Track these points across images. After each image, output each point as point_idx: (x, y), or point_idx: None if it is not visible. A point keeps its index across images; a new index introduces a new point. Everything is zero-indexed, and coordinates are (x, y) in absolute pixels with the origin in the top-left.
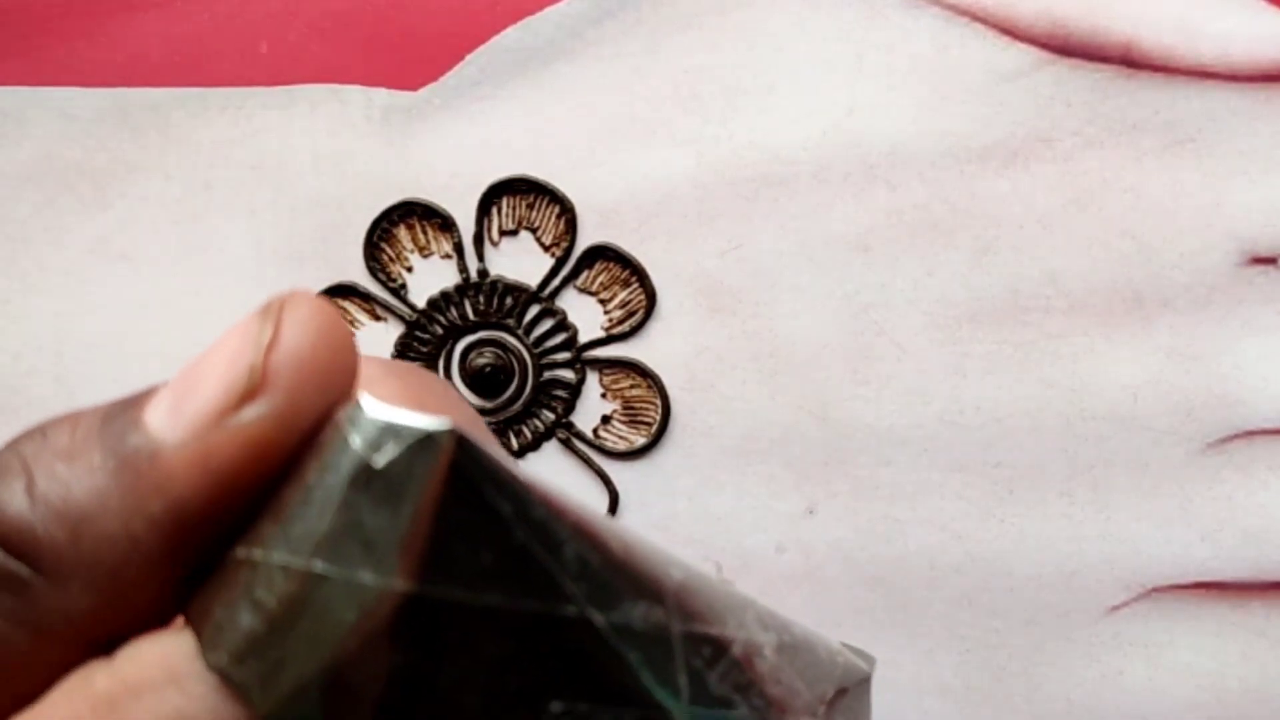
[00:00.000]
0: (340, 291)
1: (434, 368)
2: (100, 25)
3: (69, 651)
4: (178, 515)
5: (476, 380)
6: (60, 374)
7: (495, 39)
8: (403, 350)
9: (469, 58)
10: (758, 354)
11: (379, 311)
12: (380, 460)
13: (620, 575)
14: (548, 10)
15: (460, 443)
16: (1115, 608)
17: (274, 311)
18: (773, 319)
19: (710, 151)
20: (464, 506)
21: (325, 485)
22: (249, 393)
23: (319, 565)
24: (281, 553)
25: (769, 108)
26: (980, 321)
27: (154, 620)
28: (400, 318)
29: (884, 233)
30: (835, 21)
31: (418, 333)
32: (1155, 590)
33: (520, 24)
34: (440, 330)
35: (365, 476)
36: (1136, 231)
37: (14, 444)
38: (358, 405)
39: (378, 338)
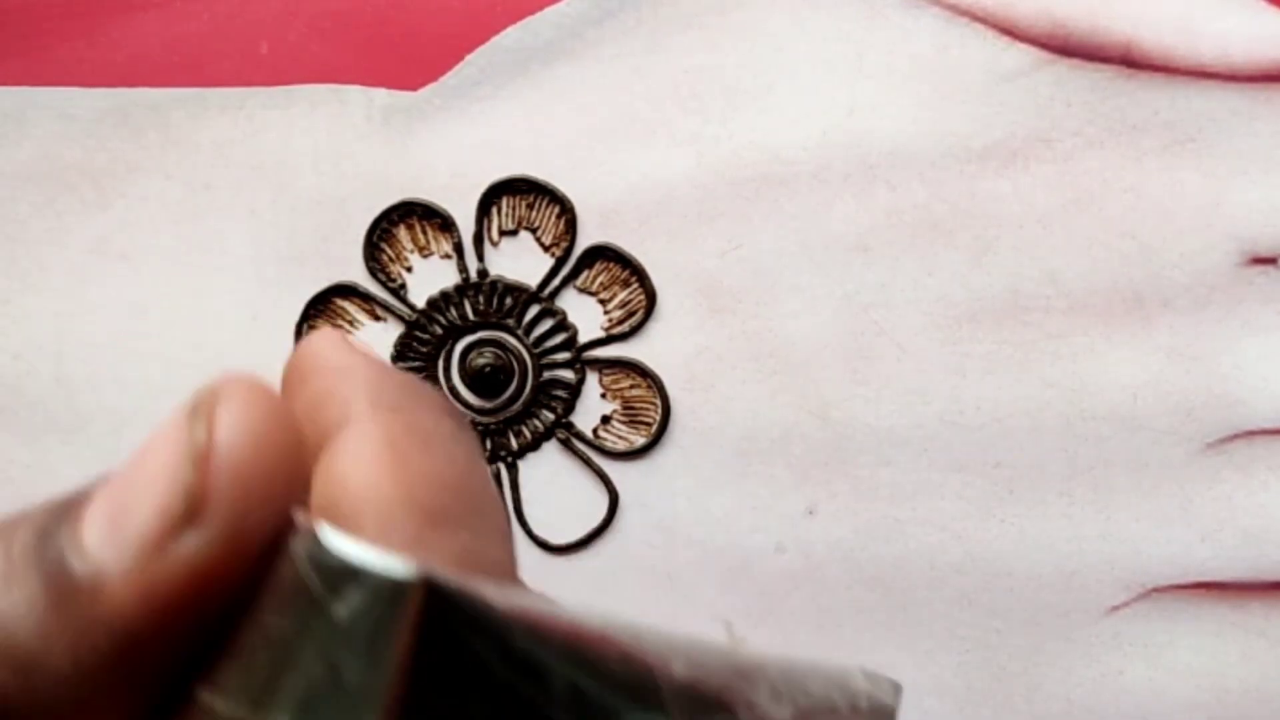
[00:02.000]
0: (340, 291)
1: (434, 368)
2: (100, 25)
3: None
4: (126, 648)
5: (476, 380)
6: (60, 374)
7: (495, 39)
8: (403, 350)
9: (469, 58)
10: (758, 354)
11: (379, 311)
12: (342, 611)
13: (616, 690)
14: (548, 10)
15: (430, 589)
16: (1115, 608)
17: (204, 411)
18: (773, 319)
19: (710, 151)
20: (439, 654)
21: (284, 629)
22: (187, 516)
23: None
24: (244, 708)
25: (769, 108)
26: (980, 321)
27: None
28: (400, 318)
29: (884, 233)
30: (835, 21)
31: (417, 333)
32: (1155, 590)
33: (520, 24)
34: (440, 330)
35: (327, 626)
36: (1136, 231)
37: None
38: (315, 540)
39: (378, 338)
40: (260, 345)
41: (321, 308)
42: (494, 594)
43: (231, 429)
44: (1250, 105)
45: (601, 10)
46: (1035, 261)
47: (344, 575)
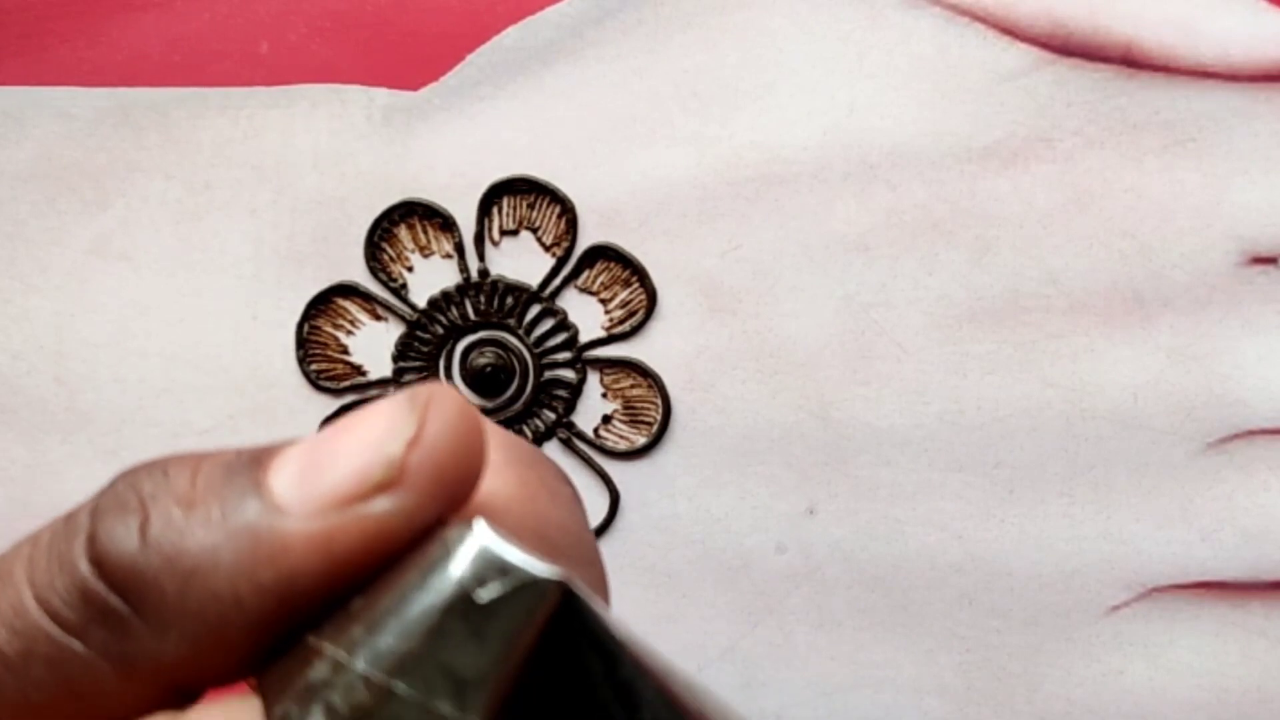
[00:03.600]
0: (341, 291)
1: (435, 367)
2: (100, 25)
3: (148, 691)
4: (287, 589)
5: (477, 380)
6: (60, 374)
7: (496, 39)
8: (404, 350)
9: (469, 58)
10: (758, 354)
11: (380, 311)
12: (484, 596)
13: None
14: (548, 10)
15: (566, 595)
16: (1115, 608)
17: (420, 404)
18: (773, 319)
19: (710, 151)
20: (556, 659)
21: (421, 603)
22: (383, 485)
23: (400, 686)
24: (365, 662)
25: (769, 108)
26: (980, 321)
27: (230, 678)
28: (401, 317)
29: (884, 233)
30: (835, 21)
31: (418, 332)
32: (1155, 590)
33: (520, 24)
34: (441, 330)
35: (464, 607)
36: (1136, 231)
37: (131, 477)
38: (471, 530)
39: (378, 337)
40: (260, 345)
41: (322, 307)
42: (614, 619)
43: (440, 423)
44: (1250, 105)
45: (601, 10)
46: (1035, 261)
47: (492, 566)
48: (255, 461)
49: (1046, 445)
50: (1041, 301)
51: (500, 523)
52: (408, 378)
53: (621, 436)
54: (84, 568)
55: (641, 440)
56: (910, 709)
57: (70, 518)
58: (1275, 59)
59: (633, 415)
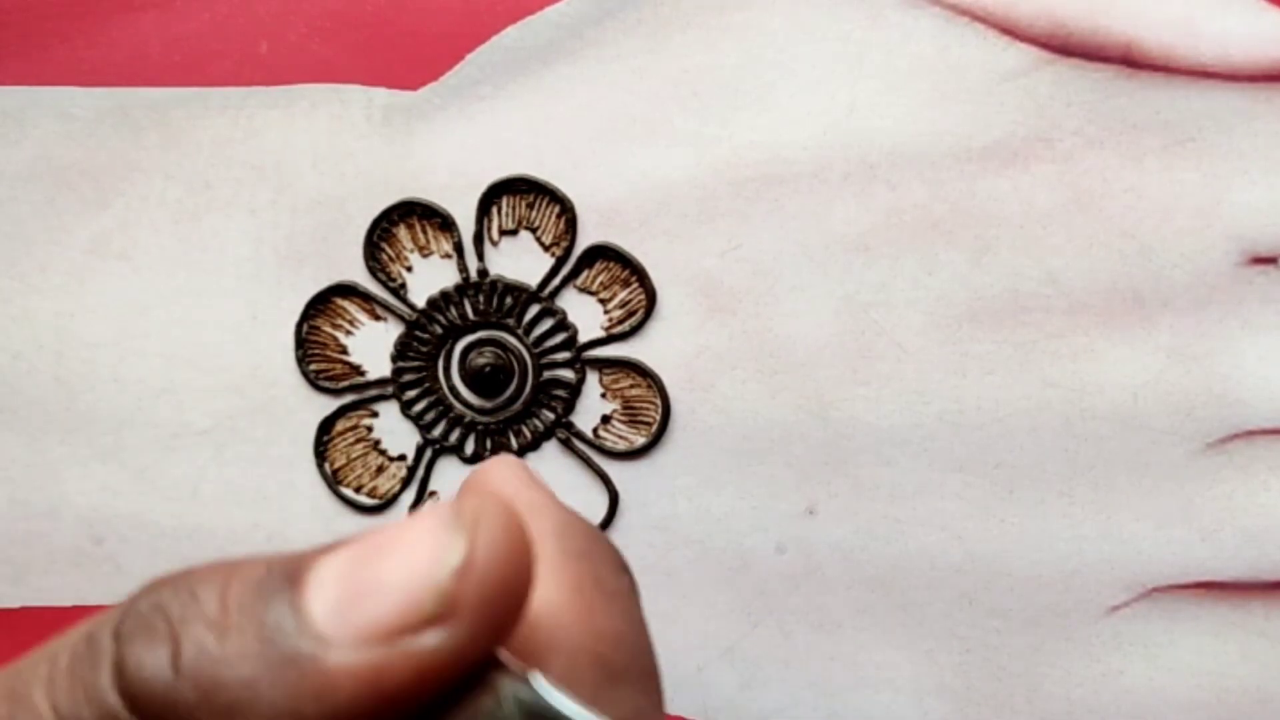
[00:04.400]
0: (340, 291)
1: (434, 367)
2: (100, 25)
3: None
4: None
5: (476, 380)
6: (60, 374)
7: (495, 38)
8: (403, 350)
9: (469, 57)
10: (758, 354)
11: (379, 311)
12: None
13: None
14: (548, 10)
15: None
16: (1115, 608)
17: (467, 524)
18: (773, 319)
19: (710, 151)
20: None
21: None
22: (434, 618)
23: None
24: None
25: (769, 107)
26: (980, 321)
27: None
28: (400, 317)
29: (884, 233)
30: (835, 21)
31: (417, 332)
32: (1155, 590)
33: (520, 24)
34: (440, 330)
35: None
36: (1136, 231)
37: (155, 597)
38: (529, 685)
39: (378, 337)
40: (260, 345)
41: (321, 307)
42: None
43: (490, 548)
44: (1250, 105)
45: (601, 10)
46: (1035, 261)
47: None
48: (288, 579)
49: (1046, 445)
50: (1041, 301)
51: (550, 642)
52: (407, 377)
53: (621, 436)
54: (113, 700)
55: (641, 440)
56: (910, 709)
57: (91, 640)
58: (1275, 59)
59: (632, 415)
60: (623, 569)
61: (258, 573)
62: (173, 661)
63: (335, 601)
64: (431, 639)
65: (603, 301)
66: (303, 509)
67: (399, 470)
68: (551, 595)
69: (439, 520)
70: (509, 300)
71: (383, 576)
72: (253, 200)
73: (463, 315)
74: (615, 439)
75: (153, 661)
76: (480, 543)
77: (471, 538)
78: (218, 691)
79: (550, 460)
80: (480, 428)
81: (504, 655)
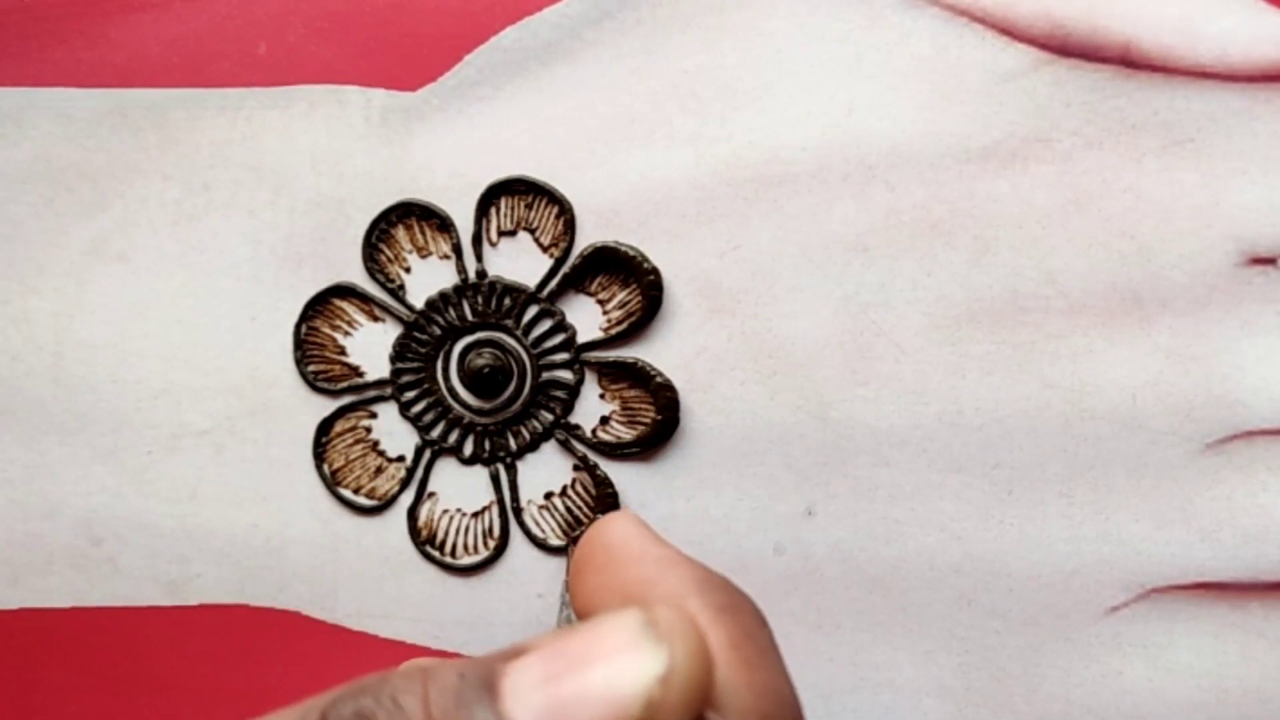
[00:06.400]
0: (339, 292)
1: (433, 368)
2: (99, 26)
3: None
4: None
5: (475, 381)
6: (59, 375)
7: (494, 39)
8: (401, 351)
9: (468, 58)
10: (757, 354)
11: (377, 312)
12: None
13: None
14: (546, 11)
15: None
16: (1115, 608)
17: (665, 639)
18: (772, 319)
19: (710, 151)
20: None
21: None
22: None
23: None
24: None
25: (768, 108)
26: (979, 322)
27: None
28: (398, 318)
29: (883, 233)
30: (834, 22)
31: (416, 333)
32: (1155, 591)
33: (519, 24)
34: (439, 331)
35: None
36: (1136, 231)
37: (357, 705)
38: None
39: (376, 338)
40: (259, 346)
41: (320, 308)
42: None
43: (689, 659)
44: (1250, 105)
45: (600, 10)
46: (1034, 262)
47: None
48: (486, 688)
49: (1045, 446)
50: (1040, 302)
51: (724, 702)
52: (405, 379)
53: (619, 437)
54: None
55: (633, 439)
56: (909, 710)
57: None
58: (1274, 59)
59: (631, 416)
60: (764, 620)
61: (451, 681)
62: None
63: (539, 711)
64: None
65: (601, 302)
66: (301, 510)
67: (398, 471)
68: (714, 655)
69: (636, 632)
70: (508, 301)
71: (587, 688)
72: (251, 201)
73: (461, 316)
74: (614, 440)
75: None
76: (680, 653)
77: (671, 648)
78: None
79: (549, 461)
80: (479, 429)
81: (715, 719)
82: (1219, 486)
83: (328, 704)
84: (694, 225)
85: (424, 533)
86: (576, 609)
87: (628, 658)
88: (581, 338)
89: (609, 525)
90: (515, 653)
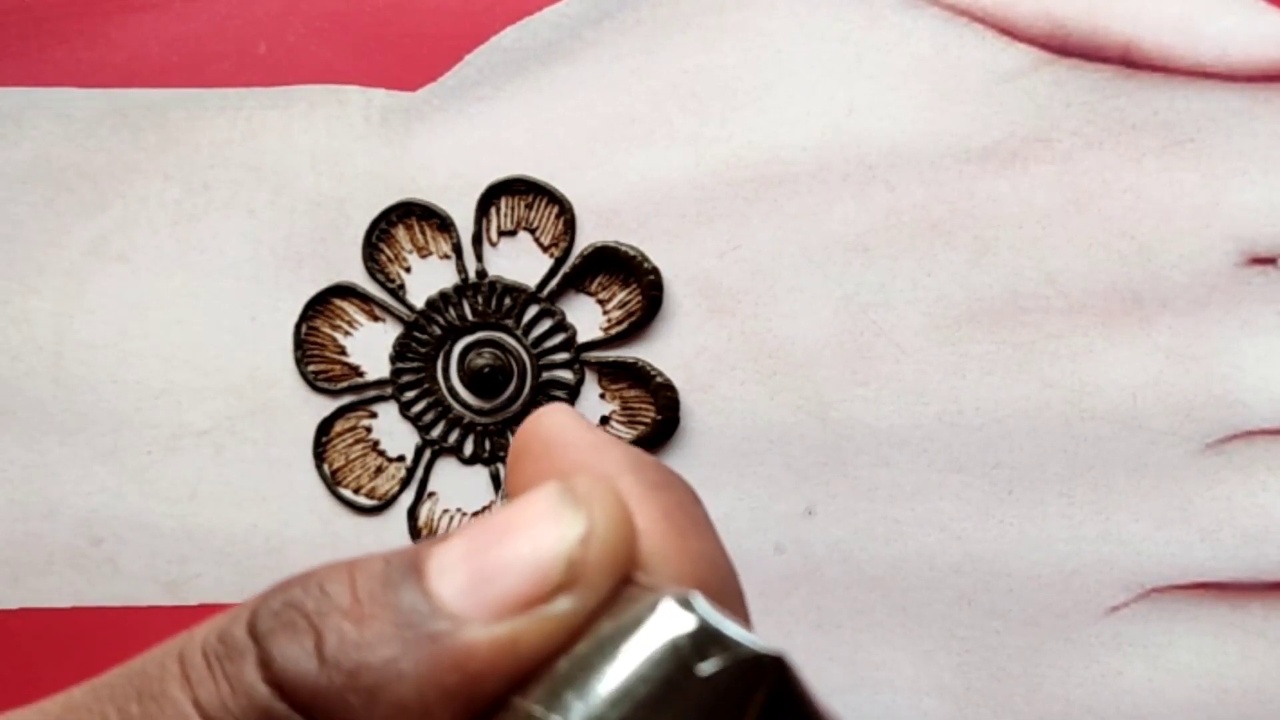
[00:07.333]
0: (339, 292)
1: (433, 368)
2: (99, 26)
3: None
4: (474, 688)
5: (475, 380)
6: (58, 375)
7: (494, 39)
8: (402, 350)
9: (468, 58)
10: (757, 354)
11: (377, 312)
12: (705, 670)
13: None
14: (546, 11)
15: (784, 671)
16: (1115, 608)
17: (583, 503)
18: (772, 319)
19: (709, 151)
20: None
21: (640, 674)
22: (563, 585)
23: None
24: None
25: (768, 108)
26: (979, 322)
27: None
28: (399, 318)
29: (883, 233)
30: (834, 22)
31: (416, 333)
32: (1154, 591)
33: (519, 24)
34: (439, 331)
35: (684, 680)
36: (1135, 231)
37: (285, 595)
38: (689, 605)
39: (376, 338)
40: (259, 346)
41: (320, 308)
42: (818, 695)
43: (607, 519)
44: (1250, 105)
45: (600, 10)
46: (1034, 262)
47: (712, 641)
48: (411, 569)
49: (1045, 446)
50: (1040, 302)
51: (656, 569)
52: (405, 378)
53: (619, 437)
54: (263, 692)
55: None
56: (909, 710)
57: (227, 638)
58: (1274, 59)
59: (631, 416)
60: (697, 498)
61: (376, 566)
62: (316, 651)
63: (464, 583)
64: (563, 604)
65: (601, 302)
66: (301, 510)
67: (398, 471)
68: (645, 526)
69: (554, 500)
70: (508, 301)
71: (510, 555)
72: (251, 201)
73: (461, 316)
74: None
75: (298, 653)
76: (598, 514)
77: (589, 511)
78: (362, 674)
79: None
80: (479, 428)
81: (672, 591)
82: (1219, 486)
83: (258, 600)
84: (694, 225)
85: (424, 533)
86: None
87: (547, 523)
88: (581, 338)
89: (543, 416)
90: (441, 538)
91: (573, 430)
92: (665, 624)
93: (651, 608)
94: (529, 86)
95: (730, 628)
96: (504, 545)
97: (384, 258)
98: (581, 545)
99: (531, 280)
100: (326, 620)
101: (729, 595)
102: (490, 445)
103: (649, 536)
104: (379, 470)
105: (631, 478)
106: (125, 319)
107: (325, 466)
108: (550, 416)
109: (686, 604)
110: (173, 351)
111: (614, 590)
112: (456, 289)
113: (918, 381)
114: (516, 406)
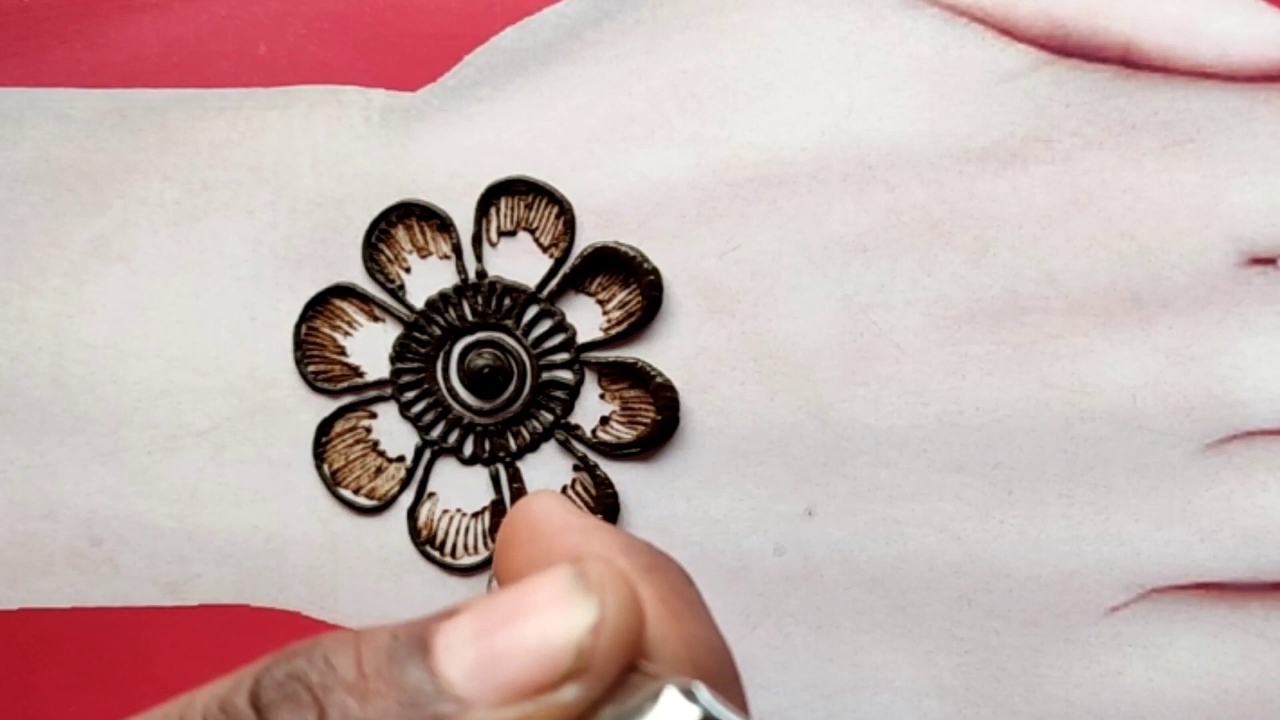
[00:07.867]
0: (339, 292)
1: (433, 368)
2: (98, 27)
3: None
4: None
5: (475, 381)
6: (58, 375)
7: (494, 39)
8: (401, 351)
9: (467, 58)
10: (757, 354)
11: (377, 312)
12: None
13: None
14: (546, 11)
15: None
16: (1114, 608)
17: (595, 590)
18: (772, 319)
19: (709, 152)
20: None
21: None
22: (574, 672)
23: None
24: None
25: (768, 108)
26: (979, 322)
27: None
28: (398, 318)
29: (883, 233)
30: (834, 22)
31: (416, 333)
32: (1154, 591)
33: (519, 25)
34: (439, 331)
35: None
36: (1135, 232)
37: (289, 666)
38: (692, 696)
39: (376, 339)
40: (259, 346)
41: (320, 308)
42: None
43: (618, 607)
44: (1250, 105)
45: (600, 11)
46: (1034, 262)
47: None
48: (418, 646)
49: (1045, 446)
50: (1040, 302)
51: (654, 653)
52: (405, 379)
53: (619, 437)
54: None
55: (633, 439)
56: (909, 710)
57: (228, 707)
58: (1274, 59)
59: (630, 416)
60: (690, 579)
61: (383, 640)
62: None
63: (472, 665)
64: (571, 692)
65: (601, 303)
66: (301, 510)
67: (398, 471)
68: (649, 617)
69: (566, 584)
70: (508, 301)
71: (519, 639)
72: (251, 201)
73: (461, 316)
74: (614, 440)
75: None
76: (610, 602)
77: (601, 598)
78: None
79: (549, 461)
80: (479, 429)
81: (676, 680)
82: (1219, 486)
83: (261, 669)
84: (694, 225)
85: (424, 533)
86: (502, 584)
87: (559, 609)
88: (581, 338)
89: (530, 502)
90: (448, 613)
91: (560, 515)
92: (668, 714)
93: (654, 697)
94: (529, 86)
95: (727, 715)
96: (514, 628)
97: (384, 258)
98: (592, 634)
99: (531, 280)
100: (330, 695)
101: (726, 680)
102: (490, 446)
103: (655, 633)
104: (379, 470)
105: (625, 561)
106: (125, 319)
107: (325, 467)
108: (538, 502)
109: (690, 694)
110: (173, 351)
111: (620, 673)
112: (456, 289)
113: (918, 381)
114: (516, 407)
